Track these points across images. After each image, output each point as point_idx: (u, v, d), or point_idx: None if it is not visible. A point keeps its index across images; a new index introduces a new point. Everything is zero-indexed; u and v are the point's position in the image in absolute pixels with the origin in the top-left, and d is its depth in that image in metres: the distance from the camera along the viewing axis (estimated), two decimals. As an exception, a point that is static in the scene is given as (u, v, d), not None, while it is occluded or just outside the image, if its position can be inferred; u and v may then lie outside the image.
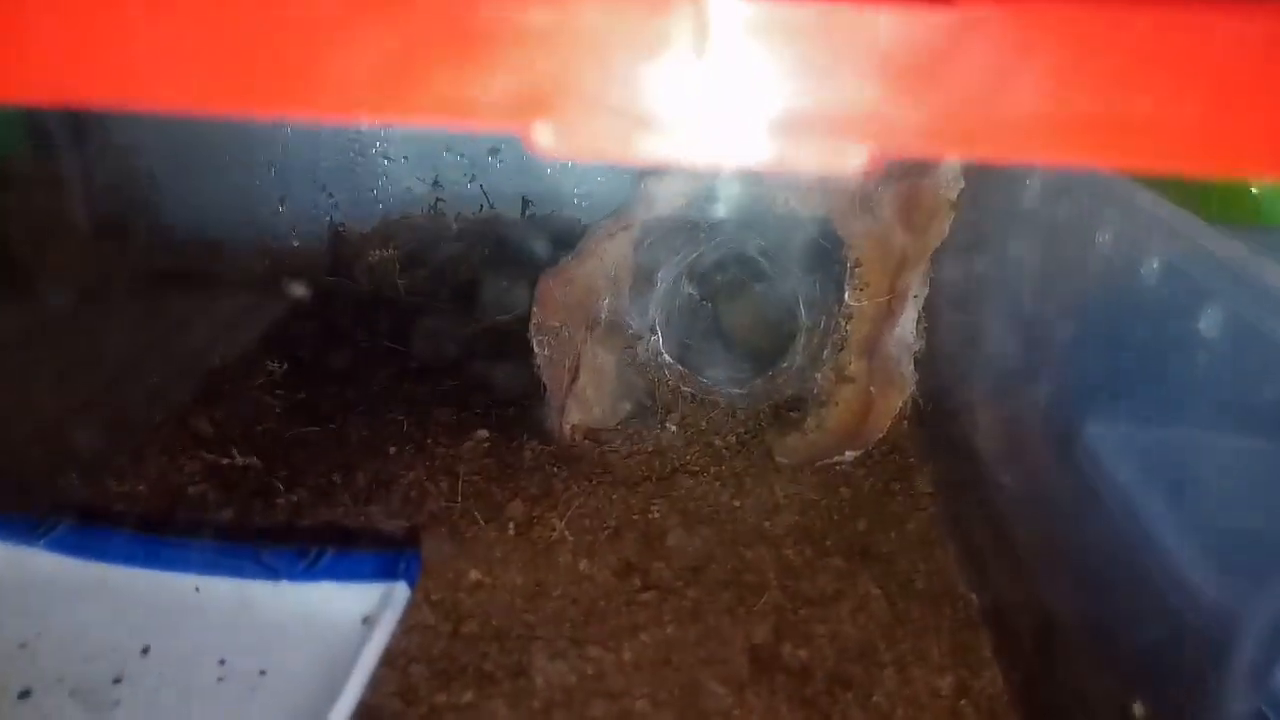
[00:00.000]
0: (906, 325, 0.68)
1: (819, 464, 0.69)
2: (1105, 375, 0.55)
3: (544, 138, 0.21)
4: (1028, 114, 0.20)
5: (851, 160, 0.21)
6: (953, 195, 0.64)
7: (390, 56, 0.21)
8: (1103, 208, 0.56)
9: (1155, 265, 0.50)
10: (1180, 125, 0.20)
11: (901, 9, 0.19)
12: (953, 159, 0.19)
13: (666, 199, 0.66)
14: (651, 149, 0.21)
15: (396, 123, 0.21)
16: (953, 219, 0.64)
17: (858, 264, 0.65)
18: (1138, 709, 0.41)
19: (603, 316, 0.70)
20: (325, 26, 0.20)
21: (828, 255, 0.67)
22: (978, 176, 0.64)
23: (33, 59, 0.21)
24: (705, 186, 0.65)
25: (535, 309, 0.69)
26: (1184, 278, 0.48)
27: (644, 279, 0.71)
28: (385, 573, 0.49)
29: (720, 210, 0.67)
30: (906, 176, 0.64)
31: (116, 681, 0.45)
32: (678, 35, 0.20)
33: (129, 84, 0.21)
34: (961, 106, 0.20)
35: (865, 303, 0.67)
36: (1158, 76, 0.19)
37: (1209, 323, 0.46)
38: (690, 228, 0.68)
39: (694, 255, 0.71)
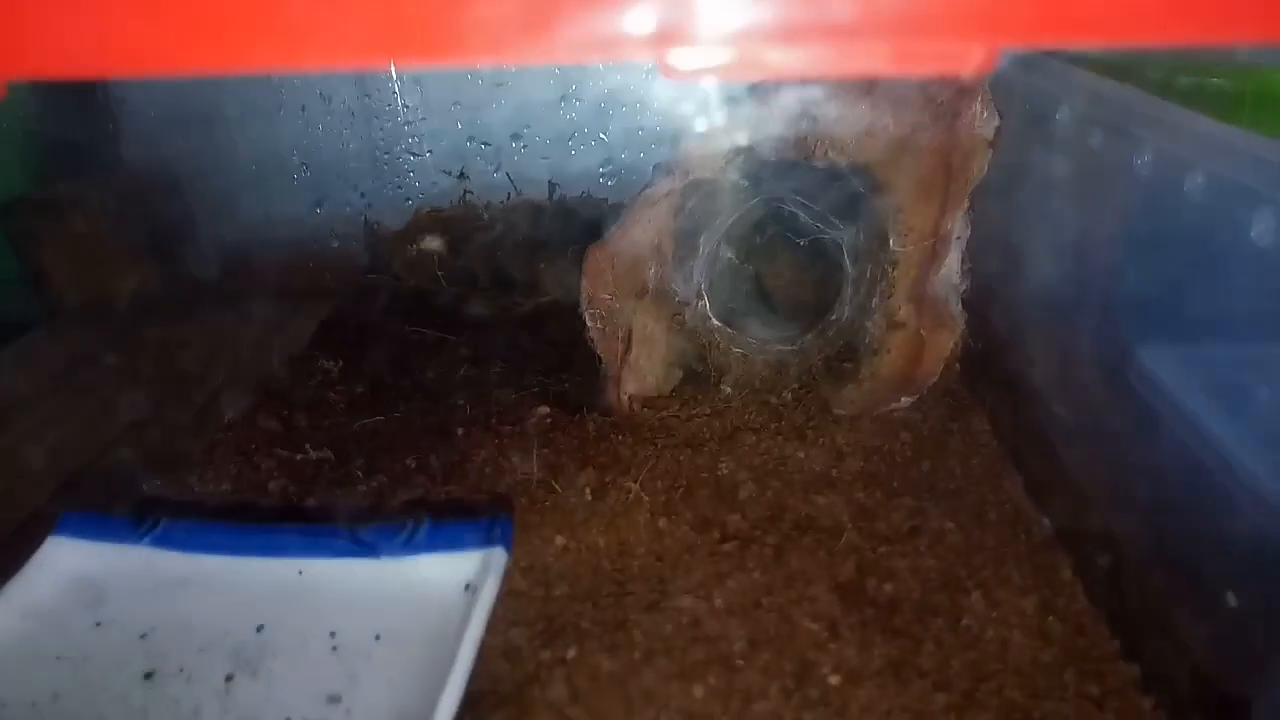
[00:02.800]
0: (951, 266, 0.69)
1: (876, 412, 0.71)
2: (1155, 297, 0.55)
3: (680, 61, 0.22)
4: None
5: (970, 59, 0.22)
6: (989, 133, 0.65)
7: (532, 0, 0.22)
8: (1138, 129, 0.57)
9: (1200, 179, 0.51)
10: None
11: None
12: (1069, 45, 0.19)
13: (705, 161, 0.67)
14: (777, 64, 0.22)
15: (540, 63, 0.22)
16: (990, 157, 0.65)
17: (899, 209, 0.67)
18: (1230, 598, 0.42)
19: (650, 285, 0.72)
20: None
21: (869, 203, 0.68)
22: (1011, 112, 0.65)
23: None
24: (743, 146, 0.67)
25: (585, 282, 0.70)
26: (1232, 187, 0.48)
27: (687, 245, 0.72)
28: (482, 540, 0.51)
29: (759, 168, 0.68)
30: (941, 118, 0.64)
31: (234, 659, 0.47)
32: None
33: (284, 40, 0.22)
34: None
35: (910, 248, 0.68)
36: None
37: (1262, 229, 0.46)
38: (730, 188, 0.69)
39: (734, 217, 0.72)
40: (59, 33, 0.22)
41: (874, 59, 0.22)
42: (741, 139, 0.67)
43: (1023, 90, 0.68)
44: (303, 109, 0.95)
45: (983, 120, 0.65)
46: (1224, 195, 0.49)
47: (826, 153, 0.66)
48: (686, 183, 0.68)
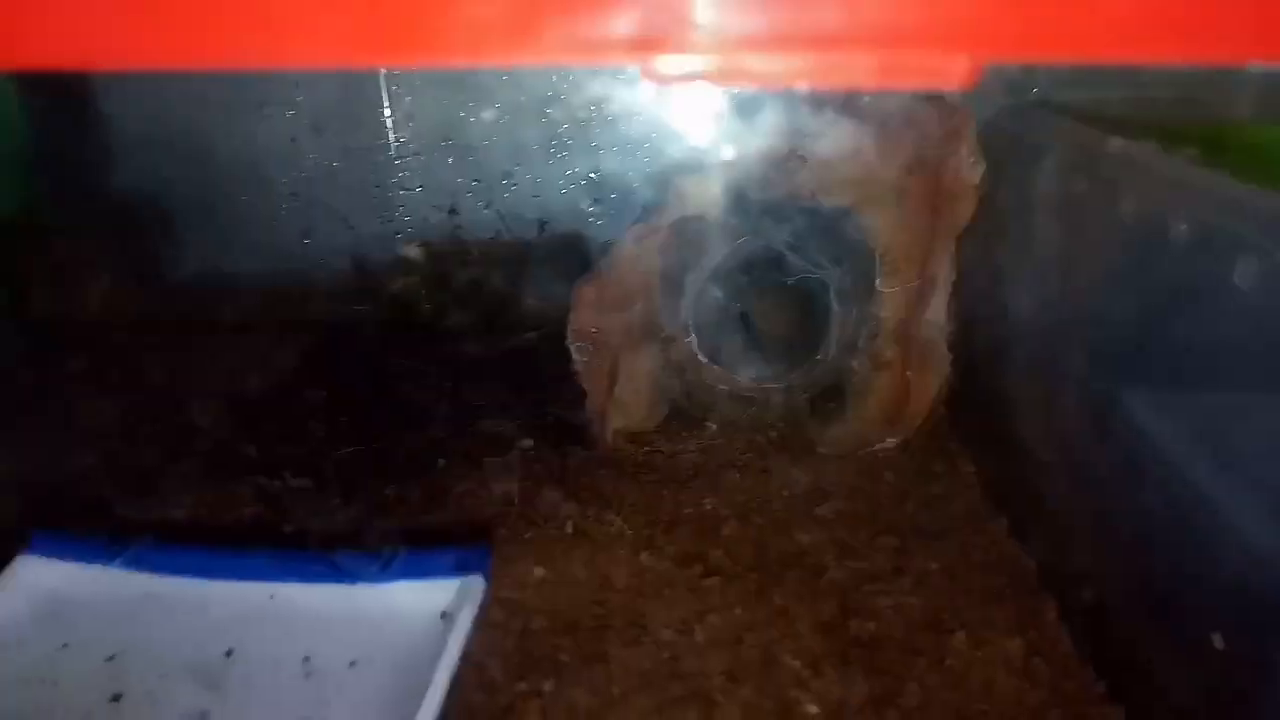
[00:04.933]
0: (937, 309, 0.69)
1: (861, 452, 0.70)
2: (1139, 342, 0.56)
3: (665, 67, 0.22)
4: (1123, 10, 0.21)
5: (954, 73, 0.22)
6: (975, 179, 0.65)
7: (519, 2, 0.22)
8: (1123, 177, 0.57)
9: (1183, 225, 0.51)
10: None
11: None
12: (1049, 60, 0.20)
13: (696, 198, 0.68)
14: (760, 71, 0.23)
15: (526, 64, 0.22)
16: (976, 202, 0.66)
17: (886, 251, 0.67)
18: (1216, 641, 0.41)
19: (638, 321, 0.72)
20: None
21: (855, 245, 0.68)
22: (998, 161, 0.66)
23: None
24: (732, 184, 0.67)
25: (572, 315, 0.70)
26: (1214, 233, 0.49)
27: (674, 282, 0.72)
28: (459, 568, 0.50)
29: (748, 208, 0.68)
30: (929, 163, 0.65)
31: (203, 682, 0.46)
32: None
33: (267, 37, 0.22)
34: (1059, 8, 0.21)
35: (897, 289, 0.68)
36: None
37: (1243, 273, 0.47)
38: (719, 227, 0.70)
39: (721, 256, 0.72)
40: (41, 23, 0.22)
41: (858, 70, 0.22)
42: (730, 179, 0.67)
43: (1009, 139, 0.68)
44: (293, 140, 0.96)
45: (969, 166, 0.65)
46: (1207, 241, 0.49)
47: (815, 194, 0.67)
48: (675, 221, 0.69)
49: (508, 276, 0.96)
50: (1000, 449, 0.68)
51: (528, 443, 0.72)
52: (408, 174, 1.00)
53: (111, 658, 0.48)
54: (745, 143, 0.66)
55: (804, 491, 0.66)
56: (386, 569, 0.51)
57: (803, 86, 0.24)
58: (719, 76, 0.22)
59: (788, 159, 0.65)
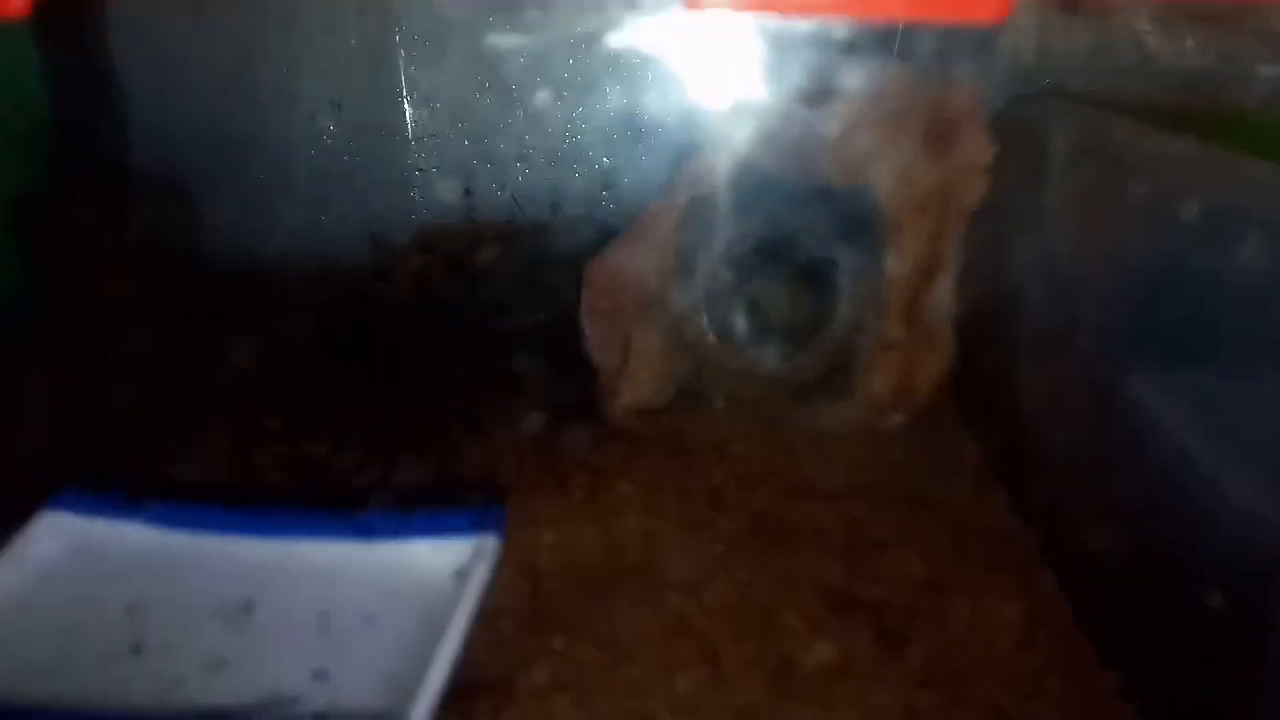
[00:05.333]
0: (944, 289, 0.70)
1: (867, 430, 0.71)
2: (1146, 323, 0.57)
3: None
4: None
5: (987, 5, 0.23)
6: (986, 160, 0.66)
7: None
8: (1132, 158, 0.58)
9: (1192, 204, 0.52)
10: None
11: None
12: None
13: (708, 179, 0.69)
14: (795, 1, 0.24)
15: None
16: (986, 183, 0.67)
17: (897, 229, 0.68)
18: (1214, 602, 0.42)
19: (650, 299, 0.73)
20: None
21: (866, 225, 0.69)
22: (1008, 147, 0.67)
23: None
24: (746, 164, 0.68)
25: (585, 293, 0.71)
26: (1223, 211, 0.50)
27: (687, 260, 0.73)
28: (474, 527, 0.51)
29: (761, 186, 0.69)
30: (942, 144, 0.66)
31: (221, 634, 0.47)
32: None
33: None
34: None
35: (906, 269, 0.69)
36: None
37: (1251, 252, 0.48)
38: (731, 206, 0.71)
39: (733, 235, 0.73)
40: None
41: (893, 1, 0.23)
42: (744, 159, 0.68)
43: (1021, 126, 0.69)
44: (313, 116, 0.97)
45: (981, 147, 0.66)
46: (1216, 220, 0.50)
47: (828, 174, 0.68)
48: (689, 199, 0.70)
49: (523, 257, 0.97)
50: (1004, 429, 0.69)
51: (539, 417, 0.73)
52: (424, 154, 1.01)
53: (132, 609, 0.49)
54: (758, 123, 0.67)
55: (810, 466, 0.67)
56: (404, 527, 0.52)
57: (839, 18, 0.25)
58: (755, 3, 0.23)
59: (803, 138, 0.67)
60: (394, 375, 0.81)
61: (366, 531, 0.52)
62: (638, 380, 0.74)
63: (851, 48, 0.67)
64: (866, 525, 0.59)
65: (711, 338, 0.75)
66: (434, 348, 0.86)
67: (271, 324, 0.91)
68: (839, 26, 0.65)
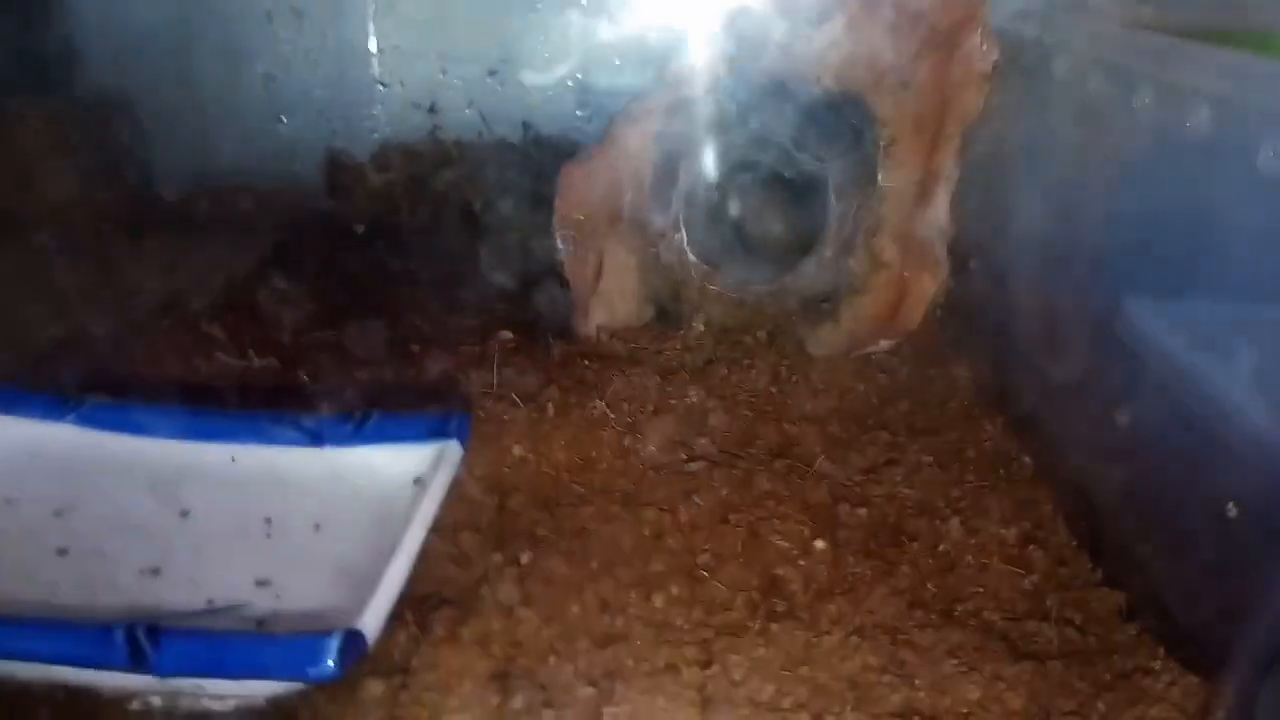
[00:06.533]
0: (939, 207, 0.66)
1: (854, 354, 0.68)
2: (1147, 247, 0.53)
3: None
4: None
5: None
6: (987, 68, 0.62)
7: None
8: (1139, 66, 0.55)
9: (1204, 111, 0.49)
10: None
11: None
12: None
13: (691, 80, 0.65)
14: None
15: None
16: (986, 93, 0.63)
17: (892, 142, 0.64)
18: (1231, 510, 0.40)
19: (625, 212, 0.68)
20: None
21: (858, 135, 0.65)
22: (1008, 63, 0.63)
23: None
24: (731, 64, 0.64)
25: (558, 200, 0.67)
26: (1238, 113, 0.46)
27: (666, 172, 0.69)
28: (436, 433, 0.47)
29: (746, 93, 0.65)
30: (940, 49, 0.62)
31: (155, 540, 0.43)
32: None
33: None
34: None
35: (899, 184, 0.65)
36: None
37: (1269, 155, 0.44)
38: (715, 111, 0.66)
39: (717, 145, 0.69)
40: None
41: None
42: (729, 58, 0.64)
43: (1021, 41, 0.65)
44: (269, 16, 0.91)
45: (981, 53, 0.63)
46: (1229, 124, 0.47)
47: (819, 77, 0.64)
48: (671, 101, 0.65)
49: (491, 176, 0.92)
50: (998, 354, 0.66)
51: (507, 335, 0.69)
52: (387, 68, 0.96)
53: (59, 513, 0.45)
54: (746, 19, 0.63)
55: (794, 389, 0.63)
56: (358, 432, 0.48)
57: None
58: None
59: (793, 39, 0.62)
60: (352, 294, 0.76)
61: (317, 437, 0.47)
62: (611, 299, 0.70)
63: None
64: (853, 449, 0.56)
65: (691, 258, 0.71)
66: (394, 266, 0.81)
67: (221, 239, 0.86)
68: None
